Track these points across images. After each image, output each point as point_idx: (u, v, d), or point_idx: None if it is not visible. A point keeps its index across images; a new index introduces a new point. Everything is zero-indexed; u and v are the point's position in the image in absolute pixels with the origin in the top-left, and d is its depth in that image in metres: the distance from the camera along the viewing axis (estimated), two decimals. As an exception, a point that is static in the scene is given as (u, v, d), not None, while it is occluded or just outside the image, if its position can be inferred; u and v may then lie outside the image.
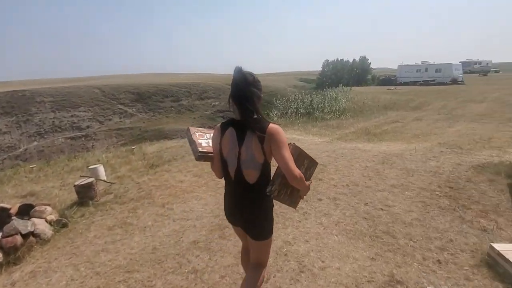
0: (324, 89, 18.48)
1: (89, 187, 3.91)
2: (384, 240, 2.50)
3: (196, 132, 1.70)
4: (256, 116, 1.37)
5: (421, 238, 2.50)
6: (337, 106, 13.01)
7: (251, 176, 1.40)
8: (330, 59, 40.66)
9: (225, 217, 1.63)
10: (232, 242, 2.63)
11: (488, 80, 31.52)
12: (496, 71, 51.92)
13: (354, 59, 40.08)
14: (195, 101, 33.79)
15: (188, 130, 1.70)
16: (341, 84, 23.80)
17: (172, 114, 30.04)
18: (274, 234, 1.71)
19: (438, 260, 2.19)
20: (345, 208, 3.18)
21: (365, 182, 3.90)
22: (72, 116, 21.81)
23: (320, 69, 40.91)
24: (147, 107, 30.04)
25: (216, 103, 34.71)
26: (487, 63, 54.99)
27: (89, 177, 4.25)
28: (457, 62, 31.91)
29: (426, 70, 31.90)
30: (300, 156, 1.46)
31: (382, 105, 14.22)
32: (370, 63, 40.04)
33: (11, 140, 17.65)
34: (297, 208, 1.68)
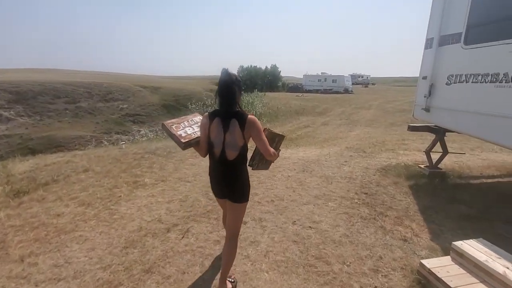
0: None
1: None
2: (319, 270, 2.20)
3: (172, 125, 1.89)
4: (238, 109, 1.76)
5: (353, 260, 2.31)
6: (254, 111, 13.12)
7: (231, 155, 1.77)
8: (245, 65, 41.98)
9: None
10: (128, 310, 1.84)
11: (369, 91, 38.48)
12: (373, 84, 64.35)
13: (266, 67, 42.48)
14: (97, 103, 29.13)
15: (164, 125, 1.91)
16: (256, 89, 24.62)
17: (67, 118, 25.14)
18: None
19: (376, 287, 1.99)
20: (273, 231, 2.80)
21: (290, 195, 3.66)
22: None
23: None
24: (31, 110, 24.25)
25: (125, 106, 30.71)
26: (367, 77, 67.67)
27: None
28: (347, 74, 37.82)
29: (325, 80, 36.55)
30: (273, 136, 1.94)
31: (293, 110, 15.18)
32: (280, 71, 43.21)
33: None
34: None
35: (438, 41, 3.65)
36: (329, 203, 3.40)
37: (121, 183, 4.25)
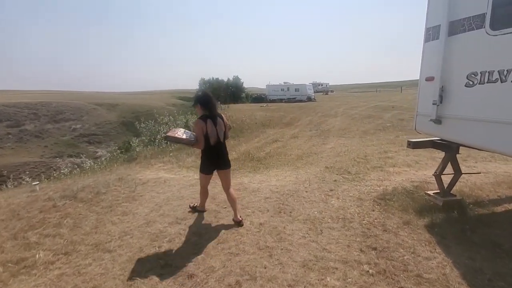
0: (201, 108, 17.05)
1: None
2: None
3: (175, 134, 2.94)
4: (217, 112, 3.09)
5: None
6: (216, 127, 11.71)
7: (221, 138, 3.05)
8: (206, 78, 40.59)
9: None
10: None
11: (330, 98, 39.22)
12: (332, 91, 66.84)
13: (228, 78, 41.47)
14: (45, 125, 25.86)
15: (169, 137, 2.96)
16: (219, 102, 23.31)
17: (10, 144, 21.82)
18: None
19: None
20: None
21: (265, 267, 2.35)
22: None
23: (197, 87, 40.09)
24: None
25: (78, 125, 27.67)
26: (326, 85, 70.26)
27: None
28: (308, 83, 38.23)
29: (288, 89, 36.49)
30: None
31: (259, 122, 14.07)
32: (243, 82, 42.47)
33: None
34: None
35: (447, 28, 2.71)
36: (328, 279, 2.15)
37: (-8, 267, 2.60)
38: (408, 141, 3.46)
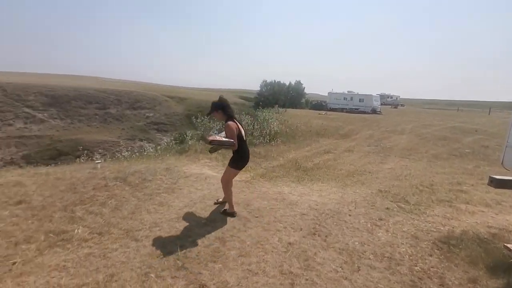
0: (257, 109, 17.20)
1: None
2: None
3: (214, 139, 3.05)
4: None
5: None
6: (268, 130, 11.59)
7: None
8: (268, 80, 41.08)
9: None
10: None
11: (398, 112, 35.69)
12: (402, 105, 60.81)
13: (290, 82, 41.24)
14: (125, 110, 29.73)
15: (213, 141, 3.02)
16: (277, 105, 23.27)
17: (96, 123, 25.69)
18: None
19: None
20: None
21: (283, 297, 2.06)
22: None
23: (259, 88, 40.92)
24: (64, 113, 25.08)
25: (151, 114, 31.03)
26: (397, 98, 64.28)
27: None
28: (376, 94, 35.42)
29: (351, 99, 34.44)
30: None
31: (314, 130, 13.49)
32: (304, 87, 41.75)
33: None
34: None
35: None
36: (355, 333, 1.76)
37: (40, 234, 2.89)
38: (490, 177, 2.72)
